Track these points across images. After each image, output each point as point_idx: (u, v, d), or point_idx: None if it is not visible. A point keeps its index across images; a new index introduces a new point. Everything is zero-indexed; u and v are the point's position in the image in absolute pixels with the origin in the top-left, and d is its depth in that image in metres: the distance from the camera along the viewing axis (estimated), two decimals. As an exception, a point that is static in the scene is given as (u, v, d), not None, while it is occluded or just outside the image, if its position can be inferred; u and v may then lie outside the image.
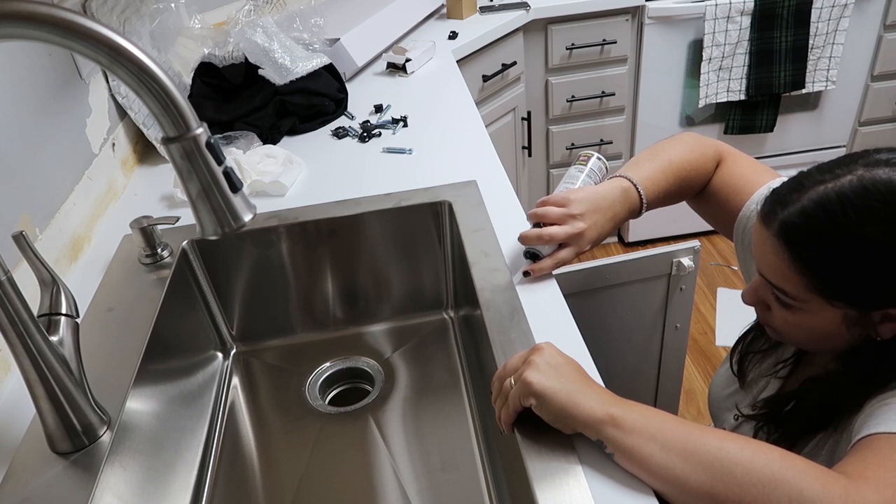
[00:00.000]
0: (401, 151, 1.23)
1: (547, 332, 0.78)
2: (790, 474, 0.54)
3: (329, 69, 1.41)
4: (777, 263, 0.69)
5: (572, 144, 2.22)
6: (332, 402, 1.04)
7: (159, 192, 1.17)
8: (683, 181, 0.94)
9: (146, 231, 0.96)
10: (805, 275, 0.67)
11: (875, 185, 0.63)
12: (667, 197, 0.94)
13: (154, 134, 1.26)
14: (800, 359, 0.83)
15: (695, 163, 0.94)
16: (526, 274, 0.88)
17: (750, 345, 0.89)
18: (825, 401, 0.72)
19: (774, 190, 0.71)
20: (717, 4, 1.95)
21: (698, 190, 0.97)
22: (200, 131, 0.55)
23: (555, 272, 0.88)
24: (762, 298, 0.75)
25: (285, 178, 1.13)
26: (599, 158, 0.98)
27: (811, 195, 0.66)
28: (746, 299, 0.77)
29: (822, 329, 0.71)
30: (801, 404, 0.76)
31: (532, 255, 0.88)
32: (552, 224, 0.85)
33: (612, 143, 2.25)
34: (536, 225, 0.87)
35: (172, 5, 1.33)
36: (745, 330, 0.91)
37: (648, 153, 0.95)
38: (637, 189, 0.90)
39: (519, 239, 0.88)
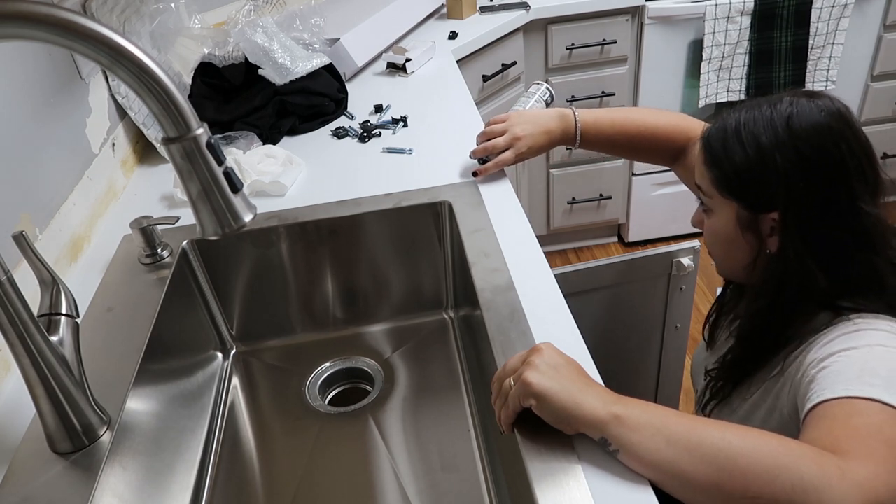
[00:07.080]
0: (401, 151, 1.23)
1: (547, 332, 0.78)
2: (789, 460, 0.56)
3: (329, 69, 1.41)
4: (698, 163, 0.81)
5: (572, 144, 2.23)
6: (331, 403, 1.04)
7: (159, 192, 1.17)
8: (634, 138, 1.06)
9: (146, 231, 0.96)
10: (709, 166, 0.79)
11: (790, 106, 0.74)
12: (609, 143, 1.08)
13: (154, 134, 1.26)
14: None
15: (655, 129, 1.05)
16: (475, 174, 1.08)
17: (719, 310, 0.96)
18: (748, 341, 0.81)
19: None
20: (717, 4, 1.95)
21: (658, 155, 1.07)
22: (201, 131, 0.55)
23: (555, 272, 0.89)
24: (700, 217, 0.86)
25: (285, 178, 1.13)
26: (548, 88, 1.18)
27: (739, 109, 0.78)
28: (692, 220, 0.88)
29: (724, 232, 0.80)
30: (734, 350, 0.84)
31: (483, 162, 1.08)
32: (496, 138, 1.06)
33: (611, 143, 2.25)
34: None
35: (172, 5, 1.33)
36: (717, 297, 0.98)
37: (616, 108, 1.07)
38: (575, 118, 1.06)
39: (470, 155, 1.10)
